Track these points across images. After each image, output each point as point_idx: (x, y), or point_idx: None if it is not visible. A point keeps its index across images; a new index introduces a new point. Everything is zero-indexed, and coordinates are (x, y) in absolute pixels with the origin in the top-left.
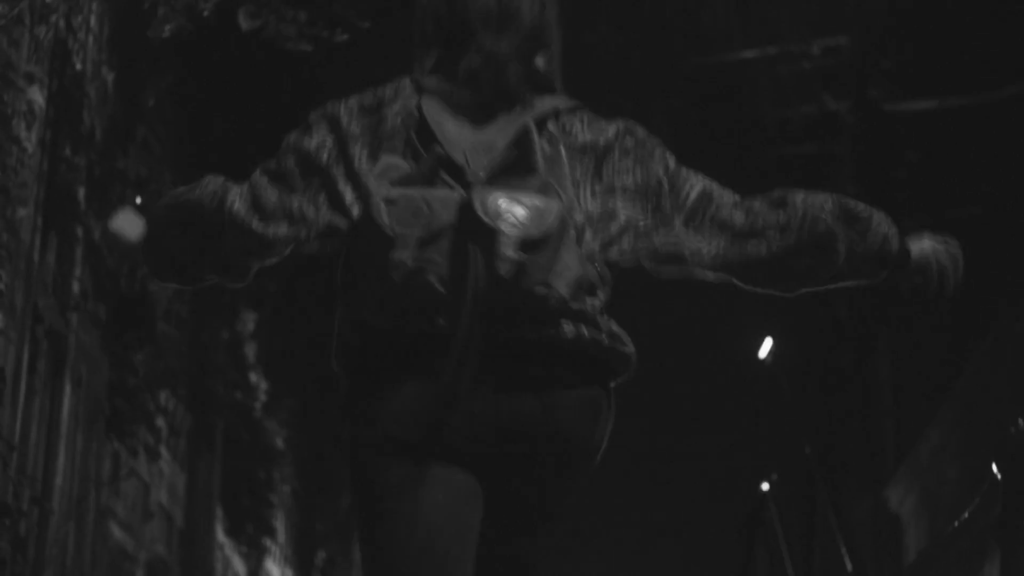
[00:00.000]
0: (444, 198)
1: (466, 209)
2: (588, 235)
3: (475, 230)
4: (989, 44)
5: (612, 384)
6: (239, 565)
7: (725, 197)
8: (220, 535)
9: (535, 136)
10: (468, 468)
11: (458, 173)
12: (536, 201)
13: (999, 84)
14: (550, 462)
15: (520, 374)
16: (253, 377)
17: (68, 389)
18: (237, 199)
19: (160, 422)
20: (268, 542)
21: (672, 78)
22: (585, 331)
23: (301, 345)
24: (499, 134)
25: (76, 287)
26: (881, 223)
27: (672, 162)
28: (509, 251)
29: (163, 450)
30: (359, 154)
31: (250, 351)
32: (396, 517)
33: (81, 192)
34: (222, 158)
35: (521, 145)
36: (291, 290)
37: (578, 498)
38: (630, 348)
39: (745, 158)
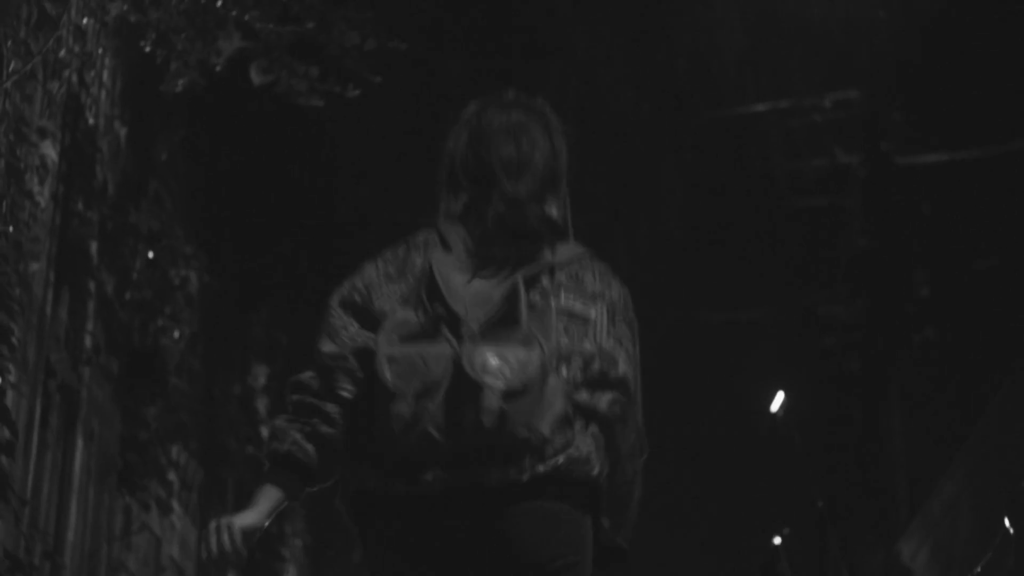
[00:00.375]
0: (438, 355)
1: (457, 365)
2: (596, 366)
3: (464, 385)
4: (1000, 96)
5: (581, 497)
6: None
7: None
8: None
9: (522, 293)
10: None
11: (456, 326)
12: (519, 354)
13: (1011, 136)
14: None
15: (489, 506)
16: (265, 431)
17: (80, 443)
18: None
19: (172, 476)
20: None
21: (684, 131)
22: (560, 460)
23: None
24: (498, 288)
25: (88, 341)
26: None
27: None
28: (493, 403)
29: (175, 504)
30: (380, 299)
31: (262, 405)
32: None
33: (93, 246)
34: (234, 212)
35: (510, 300)
36: (302, 344)
37: None
38: (596, 470)
39: (757, 211)
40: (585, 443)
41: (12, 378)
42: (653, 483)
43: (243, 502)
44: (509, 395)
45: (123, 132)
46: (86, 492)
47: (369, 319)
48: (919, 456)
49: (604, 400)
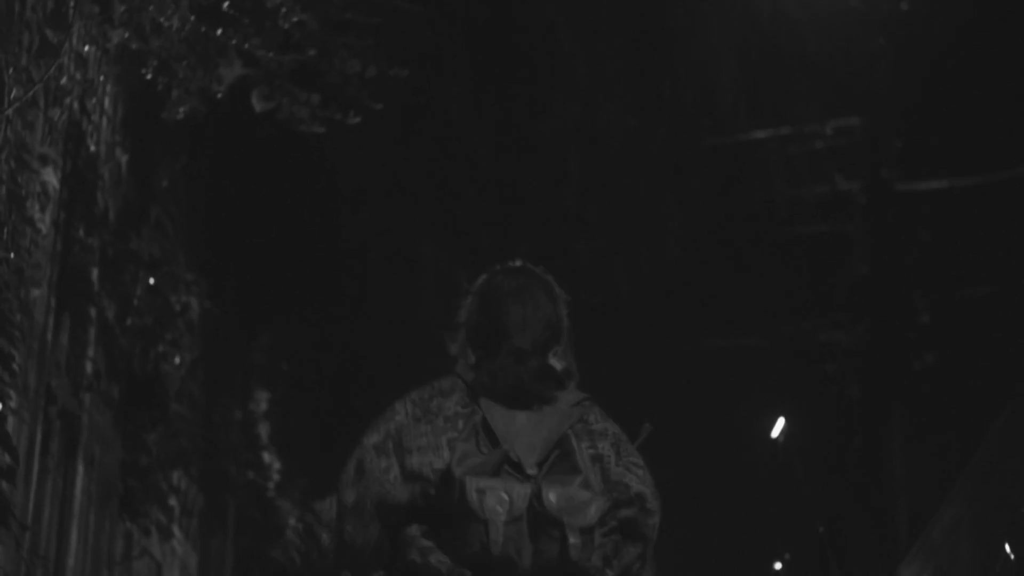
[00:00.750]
0: (520, 491)
1: (535, 500)
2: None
3: (543, 519)
4: (1000, 123)
5: None
6: None
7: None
8: None
9: (575, 444)
10: None
11: (517, 467)
12: (584, 495)
13: (1011, 163)
14: None
15: None
16: (266, 457)
17: (81, 469)
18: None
19: (173, 501)
20: None
21: (686, 159)
22: None
23: (314, 425)
24: (535, 433)
25: (89, 367)
26: None
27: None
28: (576, 538)
29: (175, 529)
30: (415, 438)
31: (263, 431)
32: None
33: (95, 273)
34: (235, 239)
35: (563, 447)
36: (304, 370)
37: None
38: None
39: (758, 237)
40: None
41: (13, 404)
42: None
43: (244, 527)
44: (583, 531)
45: (124, 159)
46: (87, 517)
47: (401, 460)
48: (920, 481)
49: (622, 514)
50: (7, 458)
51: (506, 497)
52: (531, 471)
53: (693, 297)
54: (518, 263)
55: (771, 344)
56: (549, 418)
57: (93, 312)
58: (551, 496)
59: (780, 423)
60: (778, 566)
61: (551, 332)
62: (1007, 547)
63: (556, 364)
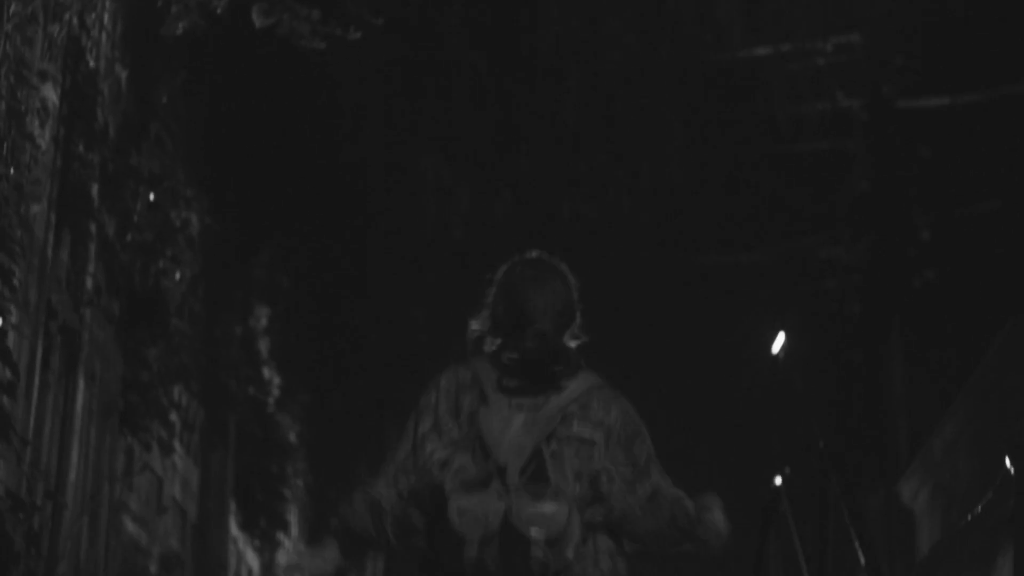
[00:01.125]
0: (496, 510)
1: (507, 518)
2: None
3: (514, 535)
4: (1002, 40)
5: None
6: (252, 559)
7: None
8: (233, 529)
9: (547, 457)
10: None
11: (503, 475)
12: (551, 507)
13: (1013, 79)
14: None
15: None
16: (266, 372)
17: (82, 384)
18: (388, 527)
19: (173, 417)
20: (281, 536)
21: (687, 75)
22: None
23: (314, 340)
24: (526, 436)
25: (89, 283)
26: (711, 537)
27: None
28: (539, 552)
29: (176, 445)
30: (446, 435)
31: (263, 346)
32: None
33: (94, 189)
34: (235, 155)
35: (538, 458)
36: (304, 286)
37: None
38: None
39: (759, 154)
40: (592, 562)
41: (13, 319)
42: (653, 425)
43: (244, 443)
44: (549, 543)
45: (124, 75)
46: (87, 433)
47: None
48: (920, 397)
49: (599, 514)
50: (7, 373)
51: (482, 517)
52: (512, 480)
53: (693, 213)
54: (535, 254)
55: (771, 260)
56: (543, 418)
57: (93, 228)
58: (522, 515)
59: (780, 338)
60: (778, 481)
61: (567, 315)
62: (1007, 461)
63: (572, 346)
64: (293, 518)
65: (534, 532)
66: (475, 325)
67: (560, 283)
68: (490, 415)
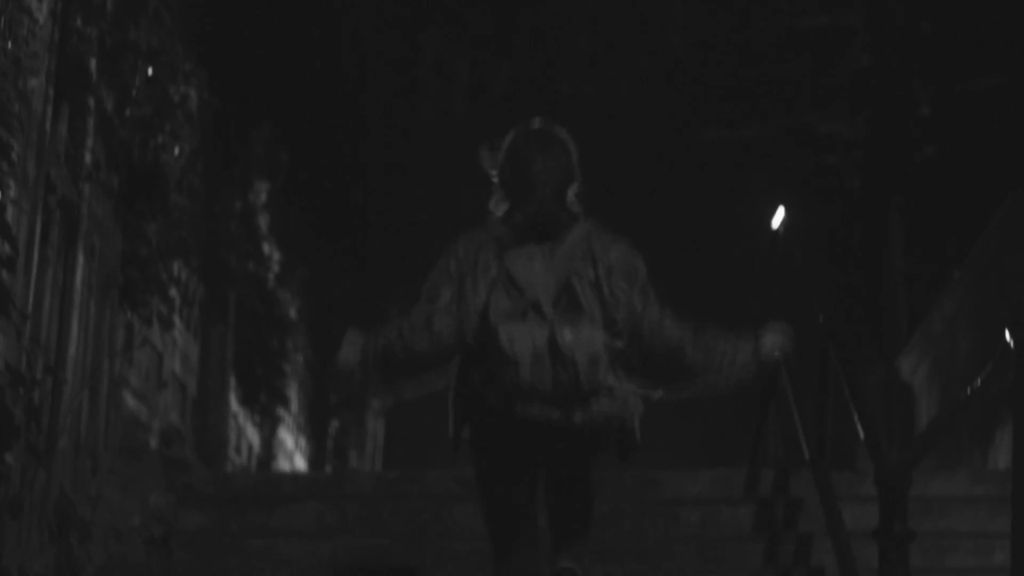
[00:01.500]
0: (540, 334)
1: (552, 341)
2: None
3: (561, 355)
4: None
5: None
6: (252, 434)
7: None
8: (233, 404)
9: (579, 288)
10: (531, 458)
11: (538, 309)
12: (588, 330)
13: None
14: (570, 454)
15: (570, 431)
16: (266, 247)
17: (81, 259)
18: (421, 343)
19: (173, 292)
20: (281, 411)
21: None
22: (612, 406)
23: (314, 216)
24: (548, 276)
25: (88, 158)
26: (737, 355)
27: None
28: (583, 370)
29: (176, 320)
30: (474, 290)
31: (263, 222)
32: (491, 482)
33: (93, 63)
34: (234, 29)
35: (568, 291)
36: (303, 161)
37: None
38: (628, 411)
39: (759, 28)
40: (621, 387)
41: (12, 193)
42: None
43: (244, 318)
44: (590, 362)
45: None
46: (87, 307)
47: (457, 292)
48: (920, 272)
49: (620, 339)
50: (7, 247)
51: (530, 341)
52: (548, 311)
53: (693, 88)
54: (538, 123)
55: (771, 136)
56: (559, 261)
57: (92, 102)
58: (565, 336)
59: (780, 213)
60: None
61: (567, 178)
62: (1007, 335)
63: (571, 207)
64: (293, 393)
65: (578, 354)
66: (491, 204)
67: (561, 149)
68: (512, 260)
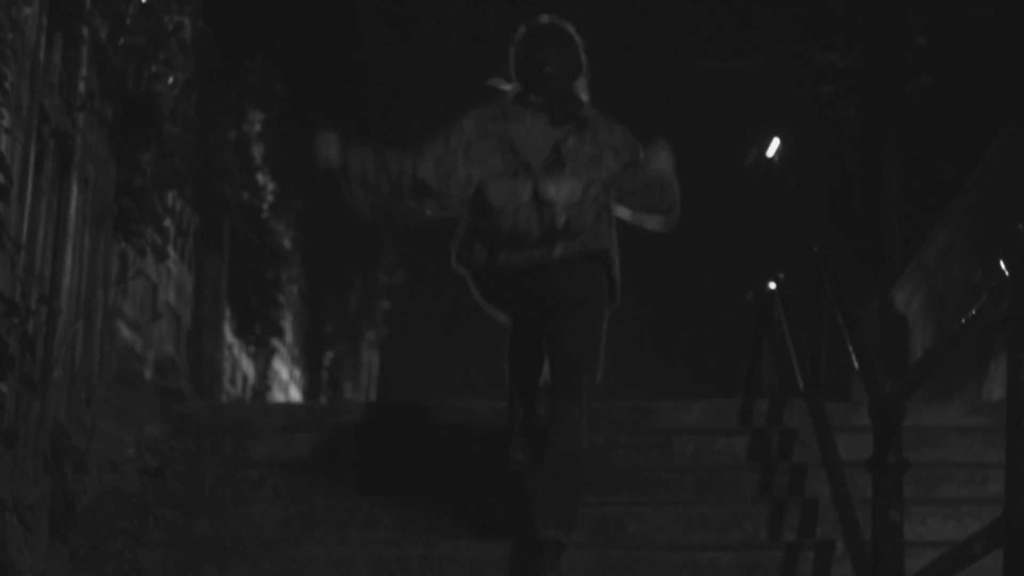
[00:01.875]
0: (524, 188)
1: (536, 193)
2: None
3: (543, 205)
4: None
5: (607, 263)
6: (247, 365)
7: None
8: (228, 335)
9: (561, 149)
10: (533, 312)
11: (528, 168)
12: (568, 181)
13: None
14: (566, 306)
15: (554, 267)
16: (260, 178)
17: (75, 189)
18: (421, 169)
19: (168, 222)
20: (276, 342)
21: None
22: (592, 241)
23: (309, 146)
24: (546, 141)
25: (82, 87)
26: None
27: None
28: (561, 213)
29: (171, 250)
30: (476, 150)
31: (257, 152)
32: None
33: None
34: None
35: (555, 151)
36: (298, 91)
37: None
38: (607, 247)
39: None
40: (603, 231)
41: (6, 123)
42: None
43: (239, 249)
44: (571, 207)
45: None
46: (82, 237)
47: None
48: (915, 203)
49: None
50: (1, 177)
51: (515, 194)
52: (536, 169)
53: (687, 18)
54: (546, 18)
55: (766, 65)
56: (559, 132)
57: (85, 31)
58: (548, 188)
59: (775, 143)
60: (772, 285)
61: (574, 69)
62: (1002, 264)
63: (578, 95)
64: (287, 324)
65: (558, 200)
66: (503, 85)
67: (568, 44)
68: (516, 128)
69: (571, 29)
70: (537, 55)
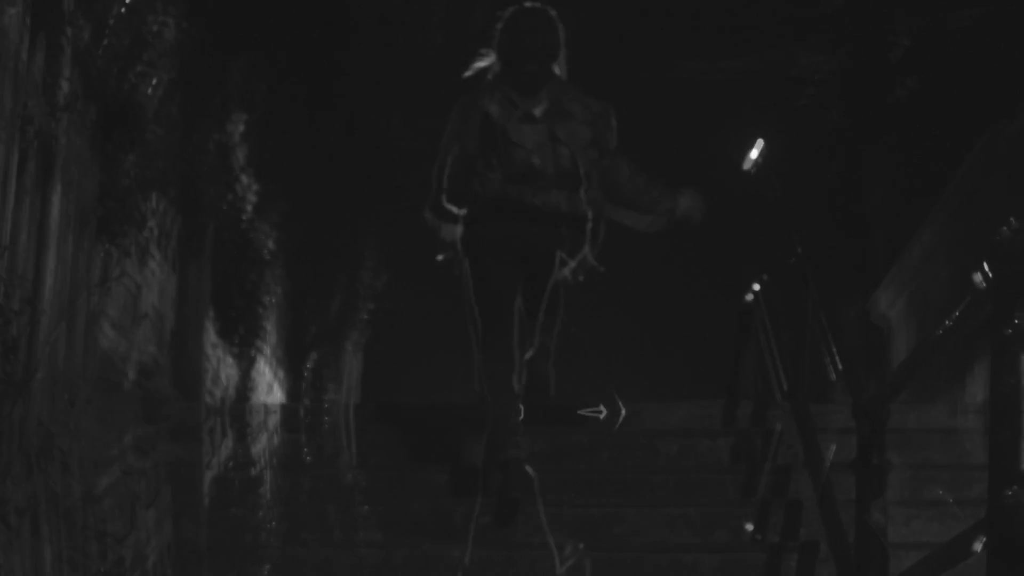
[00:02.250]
0: (540, 129)
1: (552, 133)
2: (586, 154)
3: (557, 142)
4: None
5: (586, 225)
6: (231, 367)
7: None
8: (212, 337)
9: (562, 104)
10: (511, 264)
11: (531, 116)
12: (577, 127)
13: None
14: (541, 261)
15: (536, 222)
16: (244, 179)
17: (58, 190)
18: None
19: (151, 224)
20: (259, 344)
21: None
22: (567, 201)
23: (292, 147)
24: (538, 102)
25: (66, 88)
26: (658, 205)
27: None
28: (579, 155)
29: (154, 252)
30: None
31: (241, 153)
32: (481, 284)
33: None
34: None
35: (554, 103)
36: (281, 92)
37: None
38: (588, 212)
39: None
40: (586, 199)
41: None
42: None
43: (222, 250)
44: (583, 147)
45: None
46: (65, 239)
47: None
48: (898, 206)
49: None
50: None
51: (532, 132)
52: (538, 115)
53: (669, 20)
54: (529, 3)
55: (750, 67)
56: (543, 97)
57: (69, 33)
58: (559, 130)
59: (759, 144)
60: (756, 287)
61: (554, 51)
62: (985, 267)
63: (557, 70)
64: (271, 326)
65: (571, 142)
66: (485, 65)
67: (548, 28)
68: (507, 92)
69: (553, 14)
70: (526, 37)
